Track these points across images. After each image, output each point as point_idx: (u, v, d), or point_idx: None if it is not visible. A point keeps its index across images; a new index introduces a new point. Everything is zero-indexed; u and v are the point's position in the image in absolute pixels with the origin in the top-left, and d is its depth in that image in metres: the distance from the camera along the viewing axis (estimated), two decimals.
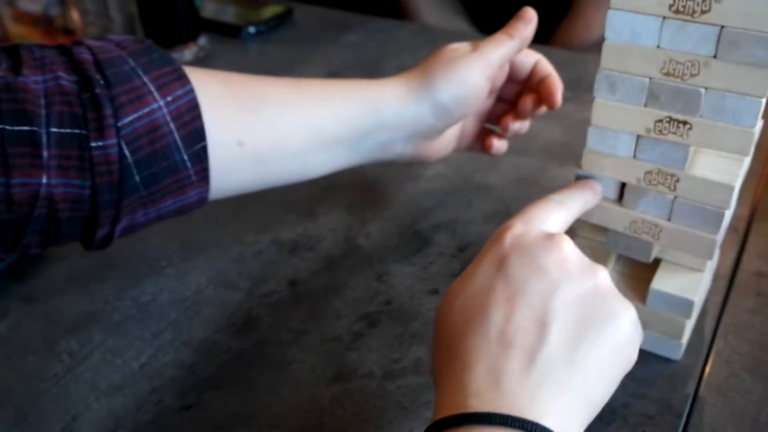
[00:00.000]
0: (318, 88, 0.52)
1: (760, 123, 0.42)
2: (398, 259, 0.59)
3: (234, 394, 0.48)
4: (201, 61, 0.89)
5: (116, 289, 0.57)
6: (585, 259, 0.37)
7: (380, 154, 0.55)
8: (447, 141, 0.58)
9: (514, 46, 0.55)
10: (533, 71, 0.58)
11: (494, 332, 0.34)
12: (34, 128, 0.40)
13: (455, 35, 0.95)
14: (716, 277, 0.55)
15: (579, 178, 0.47)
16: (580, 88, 0.81)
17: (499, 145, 0.60)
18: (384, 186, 0.67)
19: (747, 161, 0.46)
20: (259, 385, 0.49)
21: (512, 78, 0.59)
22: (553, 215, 0.41)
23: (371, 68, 0.87)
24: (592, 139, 0.45)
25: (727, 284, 0.55)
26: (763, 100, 0.40)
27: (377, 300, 0.55)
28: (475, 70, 0.53)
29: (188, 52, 0.88)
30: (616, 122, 0.44)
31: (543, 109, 0.59)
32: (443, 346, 0.36)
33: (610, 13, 0.41)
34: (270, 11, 0.98)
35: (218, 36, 0.95)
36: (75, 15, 0.80)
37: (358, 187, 0.67)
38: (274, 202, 0.65)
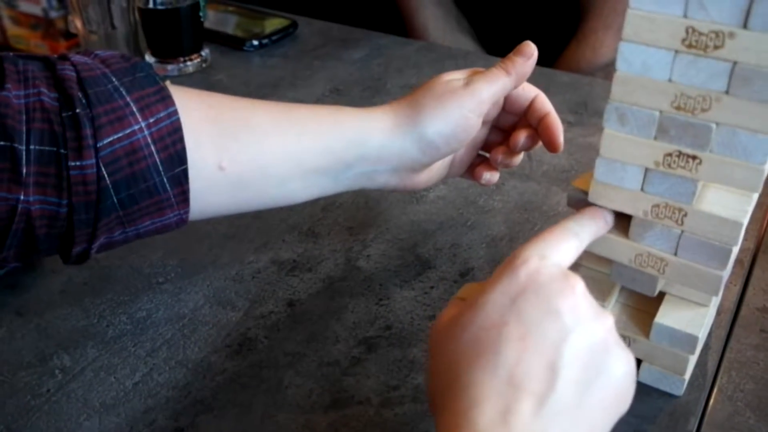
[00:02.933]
0: (303, 116, 0.51)
1: None
2: (399, 282, 0.58)
3: (228, 417, 0.47)
4: (203, 73, 0.89)
5: (112, 304, 0.56)
6: (595, 305, 0.37)
7: (364, 184, 0.53)
8: (436, 170, 0.56)
9: (509, 83, 0.53)
10: (531, 107, 0.56)
11: (504, 372, 0.34)
12: (15, 144, 0.40)
13: (460, 54, 0.95)
14: (720, 311, 0.54)
15: (570, 198, 0.47)
16: (586, 112, 0.81)
17: (489, 176, 0.58)
18: (386, 208, 0.66)
19: (755, 197, 0.45)
20: (254, 408, 0.48)
21: (508, 110, 0.57)
22: (567, 245, 0.40)
23: (375, 86, 0.86)
24: (600, 171, 0.44)
25: (731, 319, 0.54)
26: None
27: (377, 324, 0.54)
28: (465, 107, 0.51)
29: (191, 64, 0.88)
30: (624, 154, 0.43)
31: (538, 145, 0.56)
32: (446, 375, 0.36)
33: (622, 44, 0.40)
34: (273, 24, 0.98)
35: (221, 47, 0.95)
36: (78, 23, 0.79)
37: (360, 208, 0.66)
38: (274, 221, 0.64)
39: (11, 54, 0.44)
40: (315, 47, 0.95)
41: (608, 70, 1.00)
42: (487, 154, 0.58)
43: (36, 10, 0.89)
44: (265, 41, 0.94)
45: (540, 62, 0.94)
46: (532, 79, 0.88)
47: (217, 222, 0.63)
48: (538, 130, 0.55)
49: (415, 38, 1.10)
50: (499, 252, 0.61)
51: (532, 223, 0.64)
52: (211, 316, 0.55)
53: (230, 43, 0.94)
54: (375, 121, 0.51)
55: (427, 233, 0.63)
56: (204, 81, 0.87)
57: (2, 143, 0.40)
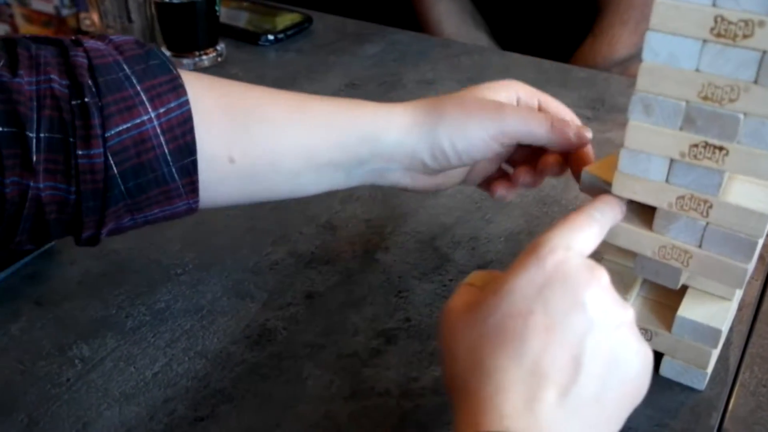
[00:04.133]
0: (317, 109, 0.50)
1: None
2: (417, 275, 0.58)
3: (248, 407, 0.47)
4: (219, 67, 0.89)
5: (130, 295, 0.56)
6: (617, 297, 0.38)
7: (375, 181, 0.52)
8: (451, 176, 0.54)
9: (543, 137, 0.50)
10: None
11: (529, 360, 0.34)
12: (26, 131, 0.41)
13: (476, 50, 0.95)
14: (741, 306, 0.54)
15: (583, 182, 0.48)
16: (603, 108, 0.80)
17: (505, 192, 0.55)
18: (403, 201, 0.66)
19: None
20: (274, 399, 0.48)
21: None
22: (590, 232, 0.40)
23: (391, 81, 0.86)
24: (624, 162, 0.44)
25: (753, 314, 0.54)
26: None
27: (396, 317, 0.54)
28: (487, 131, 0.49)
29: (206, 58, 0.88)
30: (649, 145, 0.43)
31: (567, 172, 0.53)
32: (468, 360, 0.36)
33: (649, 34, 0.40)
34: (288, 19, 0.98)
35: (236, 42, 0.95)
36: (95, 17, 0.79)
37: (377, 201, 0.66)
38: (292, 213, 0.64)
39: (26, 37, 0.44)
40: (330, 42, 0.95)
41: (624, 65, 0.99)
42: (511, 169, 0.56)
43: (48, 8, 0.89)
44: (280, 36, 0.94)
45: (556, 57, 0.94)
46: (550, 75, 0.88)
47: (235, 214, 0.63)
48: (569, 159, 0.52)
49: (429, 33, 1.10)
50: (518, 245, 0.61)
51: (550, 216, 0.64)
52: (229, 307, 0.55)
53: (245, 38, 0.94)
54: (392, 117, 0.50)
55: (445, 226, 0.63)
56: (219, 75, 0.86)
57: (14, 130, 0.40)
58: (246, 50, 0.93)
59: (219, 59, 0.89)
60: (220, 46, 0.90)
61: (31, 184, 0.41)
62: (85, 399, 0.48)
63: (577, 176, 0.50)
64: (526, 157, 0.54)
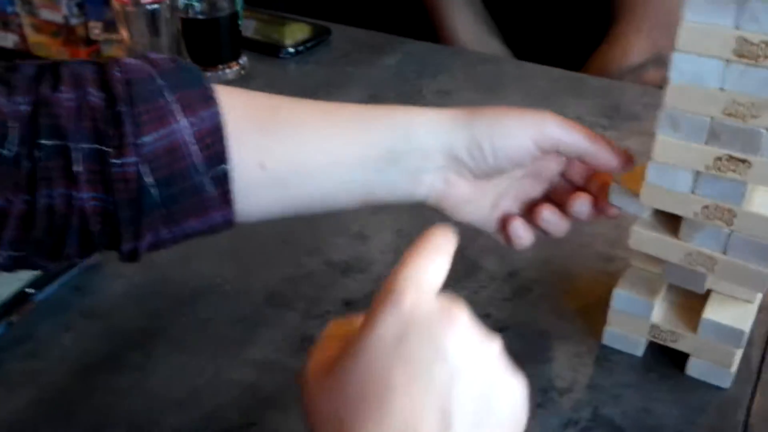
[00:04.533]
0: (347, 110, 0.51)
1: None
2: (449, 282, 0.60)
3: (296, 414, 0.50)
4: (242, 80, 0.91)
5: (175, 305, 0.58)
6: (480, 332, 0.37)
7: (410, 187, 0.52)
8: (478, 200, 0.54)
9: (583, 147, 0.50)
10: (594, 174, 0.53)
11: (397, 422, 0.33)
12: (68, 143, 0.43)
13: (492, 60, 0.97)
14: (761, 308, 0.56)
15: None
16: (618, 116, 0.83)
17: (522, 233, 0.54)
18: (431, 210, 0.68)
19: None
20: None
21: (568, 176, 0.55)
22: (438, 264, 0.38)
23: (410, 92, 0.88)
24: (652, 174, 0.47)
25: None
26: None
27: None
28: (526, 129, 0.49)
29: (230, 72, 0.90)
30: (676, 158, 0.45)
31: (596, 216, 0.53)
32: (331, 426, 0.35)
33: (676, 55, 0.43)
34: (307, 31, 1.00)
35: (257, 54, 0.97)
36: (124, 32, 0.82)
37: (405, 210, 0.68)
38: (324, 224, 0.66)
39: (69, 60, 0.47)
40: (348, 54, 0.98)
41: (638, 72, 1.01)
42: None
43: (57, 17, 0.91)
44: (300, 48, 0.97)
45: (569, 65, 0.96)
46: (564, 84, 0.91)
47: (269, 228, 0.65)
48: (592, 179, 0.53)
49: (445, 42, 1.12)
50: (545, 252, 0.63)
51: (575, 223, 0.66)
52: (271, 316, 0.57)
53: (266, 51, 0.97)
54: (427, 115, 0.51)
55: (472, 234, 0.65)
56: (243, 87, 0.89)
57: (57, 142, 0.43)
58: (267, 62, 0.96)
59: (242, 72, 0.92)
60: (243, 60, 0.92)
61: (75, 194, 0.43)
62: (141, 407, 0.50)
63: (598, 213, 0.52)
64: (559, 197, 0.55)
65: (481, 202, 0.54)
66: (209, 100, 0.46)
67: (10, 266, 0.47)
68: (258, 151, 0.48)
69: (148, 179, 0.44)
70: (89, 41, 0.92)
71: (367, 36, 1.02)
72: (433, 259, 0.38)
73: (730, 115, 0.43)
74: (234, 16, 0.88)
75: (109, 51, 0.91)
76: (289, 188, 0.50)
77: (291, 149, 0.49)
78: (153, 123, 0.45)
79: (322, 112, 0.51)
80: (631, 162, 0.50)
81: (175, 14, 0.82)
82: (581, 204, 0.52)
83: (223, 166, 0.46)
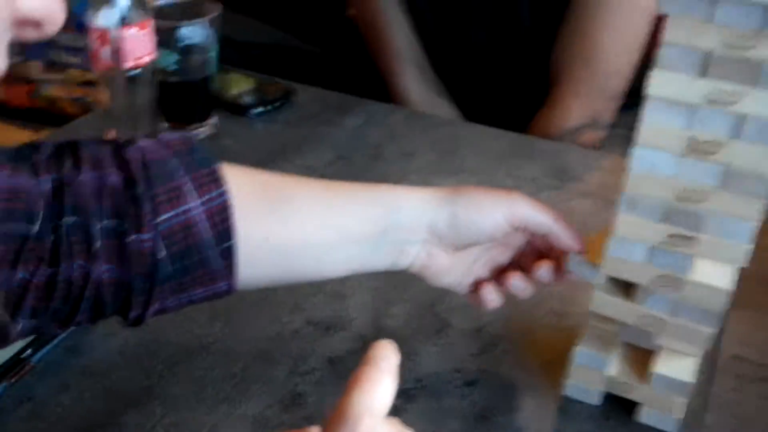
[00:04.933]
0: (343, 189, 0.57)
1: None
2: (422, 339, 0.66)
3: None
4: (213, 139, 0.95)
5: (169, 364, 0.62)
6: None
7: (396, 258, 0.58)
8: (455, 267, 0.60)
9: (546, 225, 0.57)
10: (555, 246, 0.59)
11: None
12: (89, 221, 0.47)
13: (446, 123, 1.04)
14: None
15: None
16: (566, 177, 0.90)
17: (492, 297, 0.60)
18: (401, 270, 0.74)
19: (738, 268, 0.54)
20: None
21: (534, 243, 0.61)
22: (385, 386, 0.39)
23: (374, 153, 0.94)
24: (614, 247, 0.53)
25: (711, 366, 0.63)
26: (755, 224, 0.49)
27: (410, 377, 0.62)
28: (499, 208, 0.57)
29: (202, 131, 0.94)
30: (634, 234, 0.52)
31: (556, 281, 0.59)
32: None
33: (636, 149, 0.49)
34: (274, 91, 1.05)
35: (225, 113, 1.01)
36: (104, 94, 0.85)
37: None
38: (302, 284, 0.71)
39: (89, 139, 0.51)
40: (314, 114, 1.03)
41: (576, 134, 1.09)
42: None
43: None
44: (268, 108, 1.02)
45: (513, 127, 1.04)
46: (515, 147, 0.98)
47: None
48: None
49: (397, 102, 1.19)
50: (507, 309, 0.68)
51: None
52: (261, 373, 0.61)
53: (234, 110, 1.01)
54: (412, 193, 0.57)
55: (442, 293, 0.71)
56: (215, 147, 0.93)
57: (79, 220, 0.47)
58: (236, 121, 1.00)
59: (213, 131, 0.96)
60: (214, 119, 0.96)
61: (93, 268, 0.48)
62: None
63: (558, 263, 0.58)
64: (524, 263, 0.61)
65: (457, 269, 0.61)
66: (219, 180, 0.51)
67: (26, 334, 0.50)
68: (263, 227, 0.53)
69: (163, 254, 0.49)
70: (28, 80, 0.93)
71: (328, 96, 1.08)
72: (382, 382, 0.39)
73: (681, 199, 0.50)
74: (207, 79, 0.92)
75: (47, 91, 0.93)
76: (290, 260, 0.55)
77: (293, 226, 0.55)
78: (170, 202, 0.49)
79: (321, 190, 0.57)
80: (584, 247, 0.57)
81: (154, 77, 0.86)
82: (544, 271, 0.59)
83: (230, 241, 0.51)
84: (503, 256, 0.62)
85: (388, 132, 0.99)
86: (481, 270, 0.62)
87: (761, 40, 0.44)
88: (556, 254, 0.59)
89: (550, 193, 0.87)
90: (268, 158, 0.92)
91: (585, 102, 1.08)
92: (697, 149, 0.48)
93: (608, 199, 0.85)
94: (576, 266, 0.57)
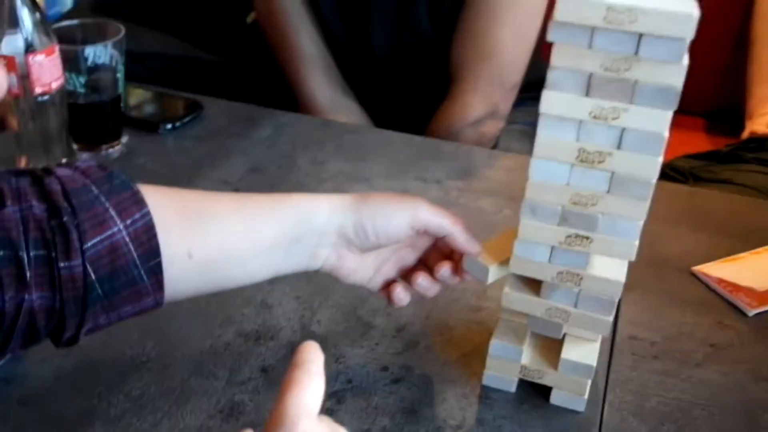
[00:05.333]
0: (258, 202, 0.61)
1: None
2: (349, 342, 0.70)
3: None
4: (126, 159, 0.96)
5: (107, 385, 0.64)
6: None
7: (308, 262, 0.63)
8: (364, 267, 0.65)
9: (447, 229, 0.62)
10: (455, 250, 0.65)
11: None
12: (18, 252, 0.49)
13: (355, 129, 1.09)
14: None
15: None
16: (470, 177, 0.96)
17: (402, 296, 0.66)
18: (323, 277, 0.78)
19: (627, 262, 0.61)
20: None
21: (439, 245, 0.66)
22: (316, 387, 0.42)
23: (287, 163, 0.97)
24: (518, 249, 0.59)
25: (609, 347, 0.70)
26: (641, 222, 0.55)
27: (340, 379, 0.66)
28: (402, 212, 0.62)
29: (114, 151, 0.95)
30: (536, 237, 0.58)
31: (457, 280, 0.65)
32: None
33: (533, 160, 0.55)
34: (181, 105, 1.06)
35: (134, 130, 1.02)
36: (13, 120, 0.85)
37: (302, 278, 0.77)
38: (230, 296, 0.74)
39: (4, 171, 0.53)
40: (223, 127, 1.05)
41: (476, 125, 1.15)
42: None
43: None
44: (177, 124, 1.03)
45: (418, 128, 1.09)
46: (422, 150, 1.03)
47: (180, 304, 0.72)
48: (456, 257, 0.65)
49: (303, 105, 1.22)
50: (425, 308, 0.74)
51: None
52: (198, 386, 0.64)
53: (144, 127, 1.02)
54: (322, 202, 0.62)
55: (363, 297, 0.75)
56: (128, 166, 0.94)
57: (9, 252, 0.49)
58: (146, 139, 1.01)
59: (125, 150, 0.97)
60: (125, 138, 0.97)
61: (26, 296, 0.50)
62: None
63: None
64: (430, 262, 0.67)
65: (367, 269, 0.66)
66: (139, 203, 0.54)
67: None
68: (185, 243, 0.56)
69: (92, 277, 0.51)
70: None
71: (237, 108, 1.10)
72: (312, 384, 0.42)
73: (575, 204, 0.56)
74: (117, 99, 0.93)
75: None
76: (213, 272, 0.59)
77: (214, 239, 0.58)
78: (95, 228, 0.52)
79: (237, 203, 0.61)
80: (479, 250, 0.63)
81: (63, 101, 0.86)
82: (444, 270, 0.65)
83: (156, 259, 0.54)
84: (410, 257, 0.67)
85: (298, 141, 1.02)
86: (390, 269, 0.67)
87: (633, 64, 0.50)
88: (458, 255, 0.65)
89: (457, 193, 0.93)
90: (182, 174, 0.94)
91: (485, 94, 1.14)
92: (586, 159, 0.54)
93: (510, 196, 0.91)
94: (470, 266, 0.63)
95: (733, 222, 0.89)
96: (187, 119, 1.04)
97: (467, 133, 1.15)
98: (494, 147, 1.18)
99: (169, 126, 1.02)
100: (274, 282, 0.76)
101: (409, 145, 1.03)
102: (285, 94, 1.25)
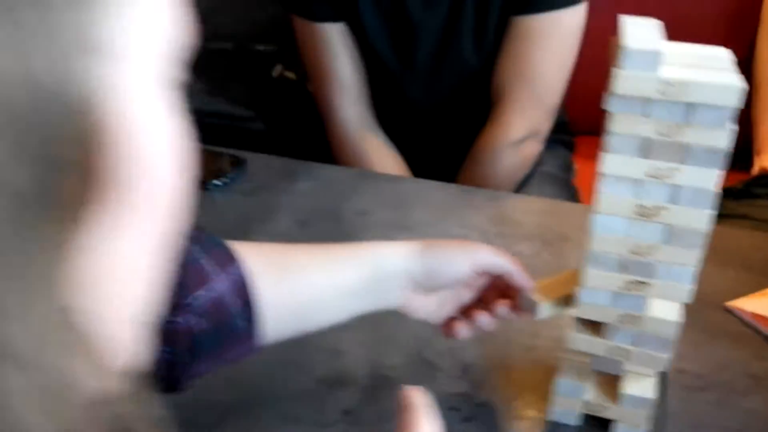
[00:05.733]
0: (336, 251, 0.68)
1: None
2: (417, 384, 0.75)
3: None
4: None
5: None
6: None
7: (382, 301, 0.69)
8: (429, 304, 0.71)
9: (504, 268, 0.69)
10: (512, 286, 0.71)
11: None
12: None
13: (393, 179, 1.14)
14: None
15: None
16: (507, 223, 1.01)
17: (463, 330, 0.71)
18: (388, 322, 0.83)
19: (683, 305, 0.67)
20: None
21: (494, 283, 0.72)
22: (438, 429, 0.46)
23: (333, 216, 1.03)
24: (583, 295, 0.64)
25: (664, 382, 0.76)
26: (695, 268, 0.61)
27: None
28: (465, 257, 0.69)
29: None
30: (599, 283, 0.63)
31: (513, 316, 0.71)
32: None
33: (595, 216, 0.61)
34: (226, 161, 1.12)
35: None
36: None
37: (366, 324, 0.82)
38: (301, 343, 0.79)
39: None
40: (266, 182, 1.10)
41: (518, 145, 1.20)
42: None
43: None
44: (225, 180, 1.08)
45: (453, 165, 1.15)
46: (457, 198, 1.09)
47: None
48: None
49: (333, 134, 1.25)
50: (486, 347, 0.79)
51: (502, 322, 0.83)
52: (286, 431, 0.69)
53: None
54: (391, 248, 0.68)
55: (426, 339, 0.81)
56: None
57: None
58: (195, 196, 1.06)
59: None
60: None
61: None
62: None
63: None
64: (487, 300, 0.73)
65: (430, 307, 0.72)
66: (234, 257, 0.59)
67: None
68: (277, 292, 0.62)
69: (199, 329, 0.57)
70: None
71: (277, 162, 1.16)
72: (433, 425, 0.46)
73: (634, 253, 0.61)
74: None
75: None
76: (301, 318, 0.65)
77: (303, 287, 0.64)
78: (197, 284, 0.57)
79: (318, 255, 0.67)
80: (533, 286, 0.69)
81: None
82: (502, 308, 0.71)
83: (254, 309, 0.59)
84: (468, 296, 0.73)
85: (339, 193, 1.08)
86: (451, 307, 0.73)
87: (685, 129, 0.57)
88: (513, 293, 0.71)
89: (495, 239, 0.98)
90: (235, 229, 0.99)
91: (526, 115, 1.19)
92: (643, 213, 0.60)
93: (546, 240, 0.97)
94: (524, 302, 0.69)
95: (758, 257, 0.95)
96: (233, 175, 1.10)
97: (509, 153, 1.20)
98: (526, 191, 1.24)
99: (218, 183, 1.08)
100: (342, 329, 0.81)
101: (445, 193, 1.09)
102: (316, 146, 1.30)
